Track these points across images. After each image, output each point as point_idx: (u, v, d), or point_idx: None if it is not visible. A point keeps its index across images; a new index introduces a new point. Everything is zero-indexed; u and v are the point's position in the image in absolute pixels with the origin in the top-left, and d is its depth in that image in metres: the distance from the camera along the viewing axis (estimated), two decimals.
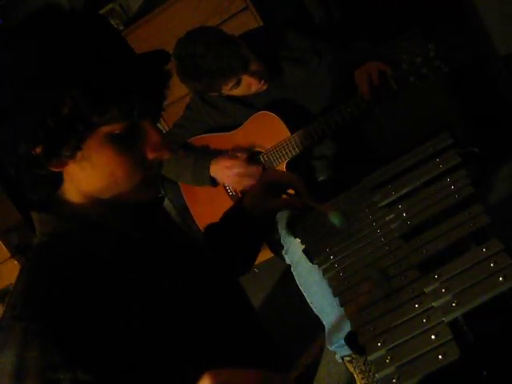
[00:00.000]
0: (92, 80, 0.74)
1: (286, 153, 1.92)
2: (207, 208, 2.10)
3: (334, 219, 0.99)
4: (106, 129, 0.77)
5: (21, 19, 0.78)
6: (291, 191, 1.14)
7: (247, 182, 1.95)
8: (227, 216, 1.17)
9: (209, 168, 1.97)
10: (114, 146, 0.79)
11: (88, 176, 0.81)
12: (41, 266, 0.81)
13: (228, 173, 1.96)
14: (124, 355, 0.77)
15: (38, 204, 0.86)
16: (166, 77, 0.83)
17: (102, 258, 0.83)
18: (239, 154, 1.96)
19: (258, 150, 1.99)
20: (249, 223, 1.11)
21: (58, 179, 0.83)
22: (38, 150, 0.77)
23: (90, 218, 0.85)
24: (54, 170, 0.80)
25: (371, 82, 1.75)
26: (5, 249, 2.72)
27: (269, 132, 1.93)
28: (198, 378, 0.65)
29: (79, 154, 0.78)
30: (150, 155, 0.82)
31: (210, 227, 1.20)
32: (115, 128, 0.77)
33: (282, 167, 1.95)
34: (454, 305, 0.79)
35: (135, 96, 0.76)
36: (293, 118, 1.91)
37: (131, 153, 0.81)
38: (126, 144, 0.80)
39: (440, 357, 0.75)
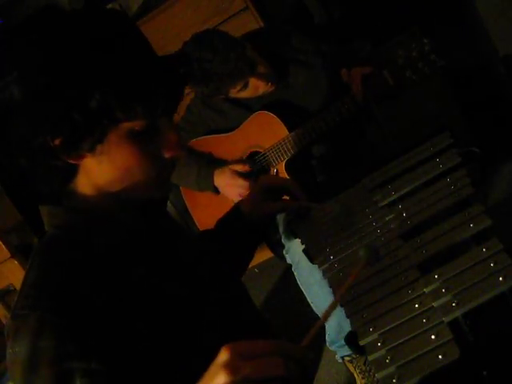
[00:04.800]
0: (122, 77, 0.76)
1: (285, 151, 1.91)
2: (208, 211, 2.09)
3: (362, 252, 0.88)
4: (127, 125, 0.79)
5: (43, 15, 0.80)
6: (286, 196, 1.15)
7: None
8: (223, 220, 1.18)
9: (213, 178, 1.97)
10: (134, 142, 0.81)
11: (104, 170, 0.83)
12: (52, 257, 0.83)
13: (230, 190, 1.95)
14: (135, 346, 0.78)
15: (47, 197, 0.87)
16: (185, 80, 0.86)
17: (112, 251, 0.85)
18: (241, 167, 1.95)
19: (257, 150, 1.99)
20: (246, 228, 1.13)
21: (73, 171, 0.85)
22: (57, 141, 0.78)
23: (100, 211, 0.87)
24: (72, 162, 0.82)
25: (360, 83, 1.75)
26: (5, 249, 2.72)
27: (268, 132, 1.93)
28: (203, 369, 0.66)
29: (99, 147, 0.79)
30: (167, 153, 0.85)
31: (205, 232, 1.21)
32: (136, 125, 0.80)
33: (281, 167, 1.95)
34: (453, 305, 0.79)
35: (159, 96, 0.79)
36: (295, 119, 1.90)
37: (149, 150, 0.83)
38: (145, 141, 0.82)
39: (440, 357, 0.74)
